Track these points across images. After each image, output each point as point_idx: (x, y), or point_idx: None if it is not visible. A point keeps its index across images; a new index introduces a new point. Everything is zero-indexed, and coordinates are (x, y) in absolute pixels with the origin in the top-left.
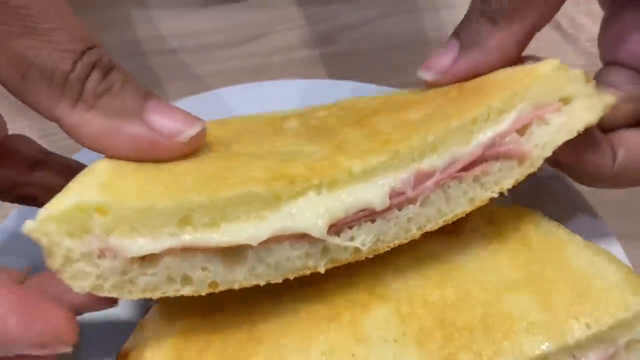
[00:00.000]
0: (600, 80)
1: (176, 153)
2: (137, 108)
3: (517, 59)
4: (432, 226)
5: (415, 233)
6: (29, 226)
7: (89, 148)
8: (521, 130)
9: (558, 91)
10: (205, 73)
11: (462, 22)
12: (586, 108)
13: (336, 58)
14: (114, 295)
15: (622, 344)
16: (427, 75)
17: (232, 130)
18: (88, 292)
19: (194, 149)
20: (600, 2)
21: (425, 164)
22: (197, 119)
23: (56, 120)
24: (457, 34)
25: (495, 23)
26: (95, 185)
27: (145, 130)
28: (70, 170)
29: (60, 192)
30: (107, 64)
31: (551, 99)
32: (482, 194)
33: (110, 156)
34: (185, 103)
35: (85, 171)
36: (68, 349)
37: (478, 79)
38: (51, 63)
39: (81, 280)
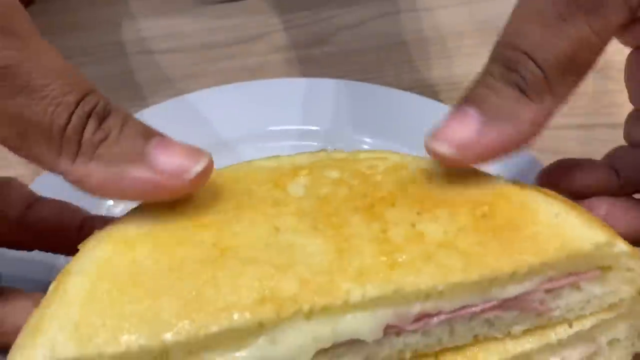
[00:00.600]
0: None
1: (183, 191)
2: (139, 151)
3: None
4: (427, 351)
5: (407, 357)
6: None
7: (98, 196)
8: (550, 289)
9: (597, 263)
10: (201, 72)
11: (479, 88)
12: (624, 282)
13: (332, 58)
14: None
15: (604, 343)
16: (441, 148)
17: (234, 199)
18: None
19: (201, 185)
20: (622, 40)
21: (431, 305)
22: (202, 152)
23: (61, 175)
24: (474, 101)
25: (528, 95)
26: (65, 331)
27: (149, 174)
28: (61, 210)
29: (29, 337)
30: (103, 111)
31: (588, 267)
32: (489, 333)
33: (117, 200)
34: (178, 102)
35: (54, 295)
36: None
37: (513, 199)
38: (47, 119)
39: None
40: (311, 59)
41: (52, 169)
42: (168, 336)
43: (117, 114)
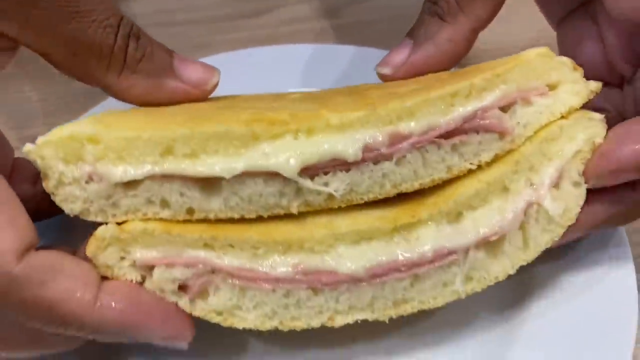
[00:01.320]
0: None
1: (202, 97)
2: (168, 66)
3: (465, 53)
4: (407, 187)
5: (389, 190)
6: (28, 148)
7: (136, 104)
8: (504, 109)
9: (543, 76)
10: (210, 44)
11: (415, 24)
12: (572, 92)
13: (343, 29)
14: (98, 219)
15: (569, 156)
16: (383, 70)
17: (235, 97)
18: None
19: (212, 92)
20: (550, 21)
21: (402, 127)
22: (214, 68)
23: (106, 87)
24: (410, 33)
25: (444, 19)
26: (91, 121)
27: (179, 84)
28: None
29: (59, 127)
30: (137, 32)
31: (536, 83)
32: (460, 164)
33: (152, 106)
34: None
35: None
36: (184, 346)
37: (471, 66)
38: (98, 40)
39: (71, 203)
40: (323, 31)
41: (100, 83)
42: (174, 128)
43: (145, 34)
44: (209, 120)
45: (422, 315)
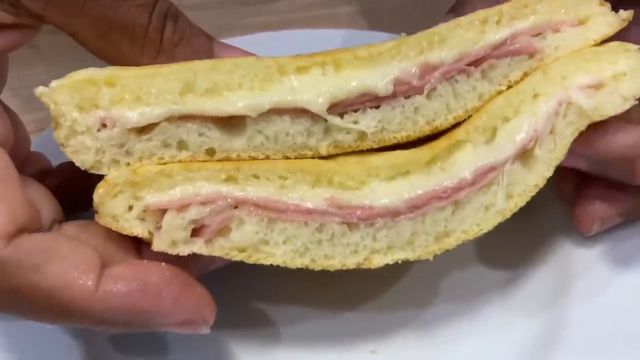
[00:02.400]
0: None
1: None
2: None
3: None
4: (441, 121)
5: (423, 127)
6: (41, 90)
7: None
8: (534, 35)
9: (571, 10)
10: (222, 29)
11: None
12: (603, 23)
13: (357, 16)
14: (111, 170)
15: (609, 75)
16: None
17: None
18: None
19: None
20: None
21: (432, 57)
22: (253, 54)
23: None
24: (454, 9)
25: None
26: (108, 68)
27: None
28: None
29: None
30: (175, 12)
31: (566, 16)
32: (491, 89)
33: None
34: None
35: None
36: (207, 330)
37: None
38: (130, 19)
39: (83, 154)
40: (334, 17)
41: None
42: (195, 63)
43: (183, 15)
44: (228, 63)
45: (461, 318)
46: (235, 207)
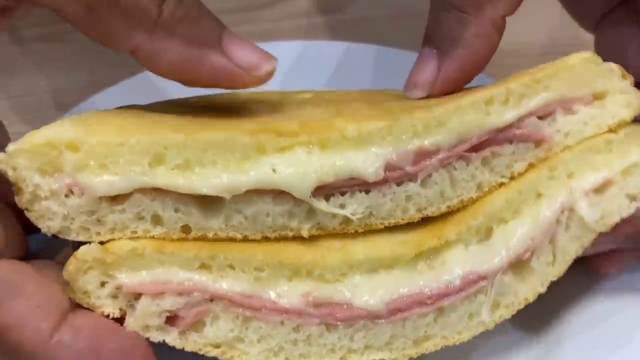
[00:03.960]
0: None
1: (249, 86)
2: (217, 38)
3: (497, 47)
4: (433, 210)
5: (414, 215)
6: None
7: (167, 77)
8: (542, 117)
9: (588, 84)
10: None
11: (430, 26)
12: (621, 104)
13: (345, 25)
14: (80, 238)
15: (618, 170)
16: (414, 94)
17: (240, 98)
18: None
19: (264, 83)
20: (584, 25)
21: (429, 141)
22: (270, 55)
23: (132, 50)
24: (429, 40)
25: (466, 12)
26: (72, 124)
27: (226, 62)
28: None
29: (37, 129)
30: None
31: (580, 92)
32: (491, 179)
33: (186, 84)
34: None
35: (69, 117)
36: None
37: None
38: None
39: (48, 220)
40: (324, 26)
41: (124, 44)
42: (166, 134)
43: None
44: (206, 127)
45: None
46: (211, 300)
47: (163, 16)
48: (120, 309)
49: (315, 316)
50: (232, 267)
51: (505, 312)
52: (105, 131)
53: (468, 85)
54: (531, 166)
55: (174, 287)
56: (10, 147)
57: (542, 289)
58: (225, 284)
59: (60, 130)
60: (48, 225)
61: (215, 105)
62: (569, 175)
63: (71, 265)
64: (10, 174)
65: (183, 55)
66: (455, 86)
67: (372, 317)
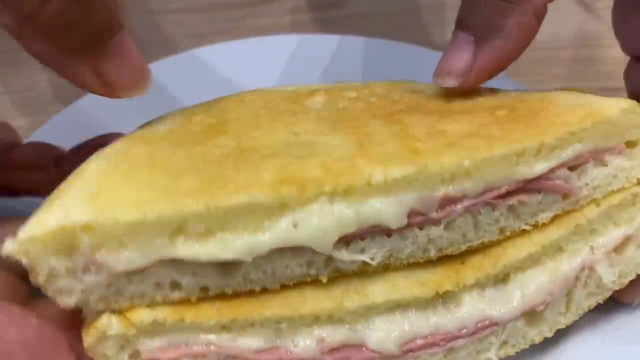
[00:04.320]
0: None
1: (110, 97)
2: (91, 47)
3: (536, 31)
4: (453, 250)
5: (433, 255)
6: (9, 247)
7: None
8: (572, 167)
9: (624, 134)
10: (210, 33)
11: (466, 10)
12: None
13: (347, 20)
14: (99, 308)
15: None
16: (448, 82)
17: (250, 111)
18: None
19: (136, 95)
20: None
21: (455, 188)
22: (147, 74)
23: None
24: (463, 25)
25: (510, 1)
26: (83, 198)
27: (90, 77)
28: (37, 149)
29: (45, 206)
30: None
31: (614, 141)
32: (515, 225)
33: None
34: (191, 56)
35: (73, 176)
36: None
37: (531, 101)
38: None
39: (66, 296)
40: (324, 21)
41: None
42: (187, 205)
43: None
44: (225, 183)
45: None
46: (226, 358)
47: (38, 12)
48: None
49: None
50: (252, 325)
51: (510, 350)
52: (120, 203)
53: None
54: (557, 217)
55: (190, 350)
56: (22, 235)
57: (550, 334)
58: (243, 342)
59: (71, 211)
60: (66, 301)
61: (228, 126)
62: (592, 232)
63: (91, 336)
64: (25, 261)
65: (49, 56)
66: (488, 77)
67: (385, 357)
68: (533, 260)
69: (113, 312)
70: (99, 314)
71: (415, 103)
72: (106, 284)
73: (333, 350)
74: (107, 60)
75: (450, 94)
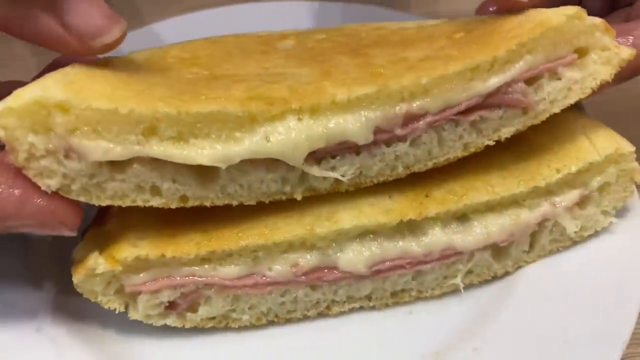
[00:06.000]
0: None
1: (86, 54)
2: None
3: None
4: (420, 167)
5: (401, 172)
6: None
7: None
8: (530, 80)
9: (572, 41)
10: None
11: None
12: (602, 61)
13: None
14: (81, 199)
15: (595, 187)
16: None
17: (223, 49)
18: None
19: (108, 51)
20: None
21: (416, 105)
22: (118, 19)
23: None
24: None
25: None
26: (60, 82)
27: (55, 27)
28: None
29: (23, 87)
30: None
31: (564, 50)
32: (478, 140)
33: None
34: (186, 19)
35: (55, 71)
36: (72, 233)
37: (487, 23)
38: None
39: (47, 178)
40: None
41: None
42: (159, 106)
43: None
44: (196, 95)
45: None
46: (204, 286)
47: None
48: (125, 302)
49: (304, 282)
50: (230, 255)
51: (475, 279)
52: (95, 93)
53: None
54: (519, 173)
55: (170, 282)
56: None
57: (512, 270)
58: (222, 271)
59: (48, 89)
60: (47, 183)
61: (201, 60)
62: (549, 192)
63: (80, 274)
64: (2, 134)
65: (5, 11)
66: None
67: (356, 278)
68: (492, 207)
69: (100, 252)
70: (86, 255)
71: (380, 38)
72: (89, 174)
73: (306, 272)
74: (71, 11)
75: (412, 27)
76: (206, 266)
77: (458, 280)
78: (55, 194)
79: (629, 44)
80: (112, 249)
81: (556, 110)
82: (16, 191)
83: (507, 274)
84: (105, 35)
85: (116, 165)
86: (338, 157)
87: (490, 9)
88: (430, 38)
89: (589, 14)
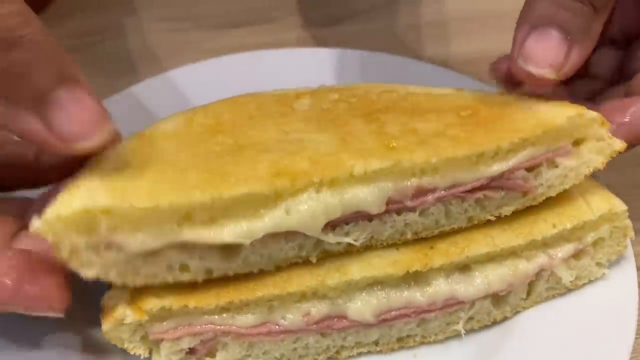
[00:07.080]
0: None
1: (73, 153)
2: (42, 96)
3: None
4: (427, 234)
5: (409, 237)
6: (36, 224)
7: None
8: (530, 168)
9: (572, 135)
10: (217, 48)
11: (554, 8)
12: (596, 151)
13: (347, 37)
14: (117, 281)
15: (589, 242)
16: (537, 70)
17: (244, 111)
18: None
19: (94, 153)
20: None
21: (426, 181)
22: (104, 124)
23: None
24: (554, 22)
25: (596, 10)
26: (102, 185)
27: (40, 129)
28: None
29: (68, 189)
30: (12, 37)
31: (563, 143)
32: (482, 215)
33: None
34: (201, 67)
35: (94, 168)
36: (58, 315)
37: (494, 106)
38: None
39: (87, 268)
40: (325, 39)
41: None
42: (194, 196)
43: (32, 44)
44: (226, 177)
45: None
46: (222, 334)
47: None
48: (149, 348)
49: (314, 330)
50: (247, 305)
51: (475, 325)
52: (136, 190)
53: None
54: (518, 226)
55: (191, 330)
56: (48, 213)
57: (511, 315)
58: (239, 320)
59: (94, 196)
60: (87, 274)
61: (225, 127)
62: (545, 245)
63: (109, 322)
64: (50, 238)
65: None
66: (566, 76)
67: (364, 326)
68: (492, 258)
69: (128, 304)
70: (114, 304)
71: (391, 102)
72: (124, 262)
73: (317, 321)
74: (56, 112)
75: (421, 93)
76: (224, 315)
77: (460, 327)
78: (48, 280)
79: (625, 119)
80: (138, 300)
81: (552, 194)
82: (8, 281)
83: (505, 318)
84: (89, 140)
85: (148, 253)
86: (352, 224)
87: (504, 65)
88: (438, 111)
89: (594, 77)
